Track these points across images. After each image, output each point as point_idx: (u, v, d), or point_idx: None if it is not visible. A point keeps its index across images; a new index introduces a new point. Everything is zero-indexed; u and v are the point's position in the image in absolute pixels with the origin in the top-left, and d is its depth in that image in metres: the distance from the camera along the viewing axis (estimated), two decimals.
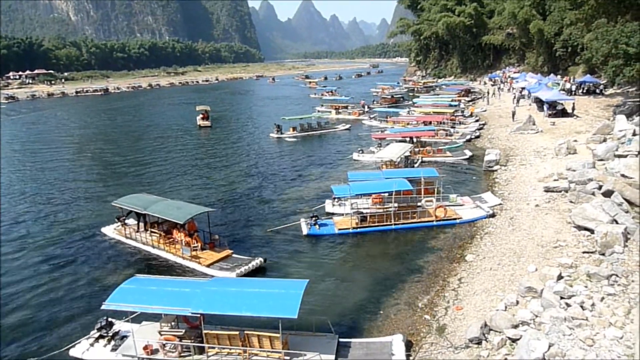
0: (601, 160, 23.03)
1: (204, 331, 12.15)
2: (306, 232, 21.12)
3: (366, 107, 62.83)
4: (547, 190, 22.03)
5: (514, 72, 77.86)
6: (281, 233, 21.60)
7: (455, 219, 21.70)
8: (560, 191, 21.45)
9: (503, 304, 12.79)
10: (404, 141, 34.80)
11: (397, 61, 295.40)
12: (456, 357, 11.62)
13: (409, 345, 12.48)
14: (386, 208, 22.19)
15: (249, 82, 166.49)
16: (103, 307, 12.54)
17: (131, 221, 22.03)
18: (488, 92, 63.45)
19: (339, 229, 21.23)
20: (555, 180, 22.86)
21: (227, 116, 68.04)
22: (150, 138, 50.08)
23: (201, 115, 57.12)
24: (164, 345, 12.56)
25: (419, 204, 22.85)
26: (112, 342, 13.09)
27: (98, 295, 15.69)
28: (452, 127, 43.39)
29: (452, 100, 55.27)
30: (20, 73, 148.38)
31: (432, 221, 21.57)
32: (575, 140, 30.25)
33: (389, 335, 12.96)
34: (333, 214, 23.36)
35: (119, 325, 13.70)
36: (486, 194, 24.58)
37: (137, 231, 21.00)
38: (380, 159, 29.81)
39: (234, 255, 18.76)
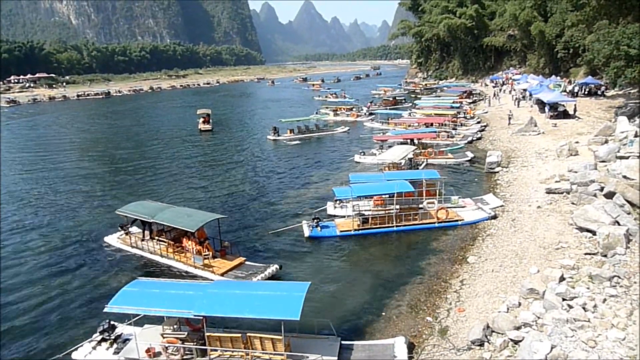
0: (603, 161, 23.02)
1: (207, 334, 12.16)
2: (308, 234, 21.14)
3: (367, 109, 62.88)
4: (549, 191, 22.02)
5: (516, 74, 77.89)
6: (283, 235, 21.62)
7: (457, 220, 21.70)
8: (562, 193, 21.44)
9: (505, 306, 12.79)
10: (406, 143, 34.83)
11: (398, 63, 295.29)
12: (458, 359, 11.61)
13: (411, 348, 12.48)
14: (388, 210, 22.19)
15: (250, 84, 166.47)
16: (105, 310, 12.56)
17: (134, 229, 21.40)
18: (495, 95, 63.51)
19: (341, 231, 21.25)
20: (557, 181, 22.85)
21: (228, 119, 68.15)
22: (151, 143, 49.93)
23: (202, 119, 56.79)
24: (166, 348, 12.56)
25: (420, 205, 22.85)
26: (115, 345, 13.11)
27: (100, 299, 15.71)
28: (453, 129, 43.39)
29: (453, 102, 55.27)
30: (21, 77, 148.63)
31: (434, 223, 21.57)
32: (577, 142, 30.24)
33: (391, 337, 12.95)
34: (335, 216, 23.37)
35: (122, 328, 13.72)
36: (488, 195, 24.58)
37: (143, 240, 20.38)
38: (382, 161, 29.82)
39: (247, 262, 18.27)
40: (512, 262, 16.14)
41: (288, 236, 21.54)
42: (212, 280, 16.93)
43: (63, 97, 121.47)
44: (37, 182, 34.19)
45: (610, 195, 17.34)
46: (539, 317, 11.50)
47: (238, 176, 33.56)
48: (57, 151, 46.61)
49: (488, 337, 11.74)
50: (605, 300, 11.62)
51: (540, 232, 17.85)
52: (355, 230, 21.22)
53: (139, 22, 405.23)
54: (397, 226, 21.36)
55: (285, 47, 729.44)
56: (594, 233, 15.72)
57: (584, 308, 11.27)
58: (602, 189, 18.54)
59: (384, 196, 22.87)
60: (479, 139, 41.01)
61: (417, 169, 30.18)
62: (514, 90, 61.02)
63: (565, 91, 51.60)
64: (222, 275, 17.28)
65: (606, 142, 27.22)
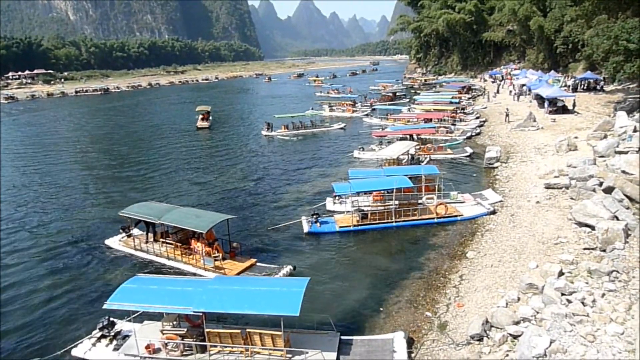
0: (602, 156, 23.03)
1: (206, 330, 12.18)
2: (307, 230, 21.15)
3: (370, 104, 62.75)
4: (548, 187, 22.04)
5: (515, 69, 77.76)
6: (282, 231, 21.63)
7: (456, 216, 21.71)
8: (560, 188, 21.46)
9: (504, 301, 12.81)
10: (405, 139, 34.81)
11: (398, 59, 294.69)
12: (458, 354, 11.65)
13: (410, 343, 12.50)
14: (387, 205, 22.19)
15: (248, 80, 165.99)
16: (105, 306, 12.57)
17: (135, 232, 20.91)
18: (498, 91, 63.42)
19: (340, 227, 21.26)
20: (555, 177, 22.84)
21: (227, 116, 67.83)
22: (148, 141, 49.53)
23: (201, 116, 56.13)
24: (166, 344, 12.59)
25: (419, 201, 22.86)
26: (114, 342, 13.13)
27: (100, 296, 15.74)
28: (452, 125, 43.35)
29: (452, 98, 55.20)
30: (19, 73, 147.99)
31: (433, 218, 21.58)
32: (576, 137, 30.23)
33: (391, 332, 12.99)
34: (334, 211, 23.37)
35: (121, 325, 13.74)
36: (487, 191, 24.59)
37: (146, 242, 19.82)
38: (382, 157, 29.78)
39: (258, 264, 17.81)
40: (511, 257, 16.16)
41: (287, 232, 21.56)
42: None
43: (61, 93, 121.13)
44: (32, 181, 33.76)
45: (609, 190, 17.34)
46: (537, 312, 11.52)
47: (236, 173, 33.47)
48: (54, 149, 46.32)
49: (487, 332, 11.77)
50: (604, 294, 11.64)
51: (539, 227, 17.86)
52: (355, 225, 21.23)
53: (137, 18, 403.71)
54: (396, 222, 21.37)
55: (284, 42, 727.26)
56: (592, 228, 15.74)
57: (582, 303, 11.30)
58: (601, 184, 18.54)
59: (383, 192, 22.88)
60: (478, 134, 40.99)
61: (419, 164, 30.13)
62: (513, 85, 60.96)
63: (566, 85, 51.53)
64: None
65: (605, 137, 27.21)
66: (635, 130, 25.27)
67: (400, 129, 39.30)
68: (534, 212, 19.68)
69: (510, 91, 58.52)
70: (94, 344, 13.17)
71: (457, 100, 53.46)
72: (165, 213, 19.00)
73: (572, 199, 19.76)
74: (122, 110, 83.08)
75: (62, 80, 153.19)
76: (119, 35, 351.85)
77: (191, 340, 12.53)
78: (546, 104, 42.32)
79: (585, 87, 50.26)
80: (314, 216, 21.60)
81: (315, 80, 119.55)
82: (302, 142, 44.85)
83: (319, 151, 39.63)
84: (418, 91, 76.92)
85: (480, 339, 11.69)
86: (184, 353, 12.46)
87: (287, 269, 17.10)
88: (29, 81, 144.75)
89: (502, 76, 74.58)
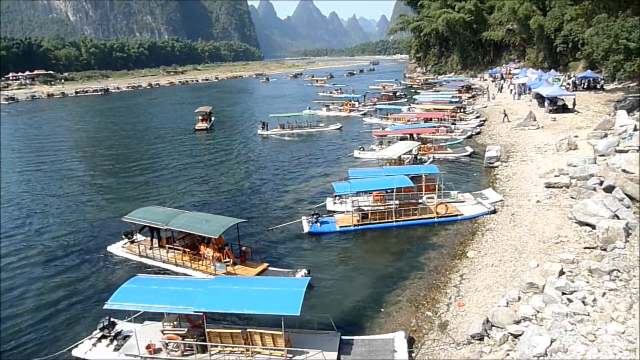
0: (602, 155, 23.03)
1: (207, 330, 12.17)
2: (307, 230, 21.14)
3: (373, 104, 62.77)
4: (548, 186, 22.02)
5: (514, 68, 77.73)
6: (282, 231, 21.61)
7: (456, 215, 21.70)
8: (561, 187, 21.44)
9: (505, 300, 12.80)
10: (405, 138, 34.80)
11: (397, 58, 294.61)
12: (458, 354, 11.64)
13: (411, 342, 12.49)
14: (387, 205, 22.18)
15: (248, 80, 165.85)
16: (105, 306, 12.57)
17: (138, 237, 20.29)
18: (500, 89, 63.36)
19: (340, 227, 21.25)
20: (556, 176, 22.83)
21: (226, 116, 67.15)
22: (147, 142, 48.94)
23: (200, 117, 55.16)
24: (166, 344, 12.58)
25: (420, 200, 22.85)
26: (115, 342, 13.12)
27: (100, 296, 15.71)
28: (452, 124, 43.33)
29: (452, 97, 55.18)
30: (19, 74, 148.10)
31: (433, 218, 21.57)
32: (576, 136, 30.21)
33: (391, 332, 12.98)
34: (334, 211, 23.36)
35: (122, 325, 13.73)
36: (487, 190, 24.57)
37: (151, 248, 19.28)
38: (383, 157, 29.75)
39: (270, 268, 17.33)
40: (512, 256, 16.15)
41: (288, 232, 21.53)
42: None
43: (61, 94, 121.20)
44: (30, 185, 33.06)
45: (609, 189, 17.33)
46: (538, 311, 11.51)
47: (235, 174, 33.36)
48: (53, 151, 45.82)
49: (488, 331, 11.76)
50: (604, 294, 11.63)
51: (540, 227, 17.85)
52: (355, 225, 21.22)
53: (137, 19, 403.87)
54: (396, 221, 21.35)
55: (283, 42, 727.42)
56: (593, 227, 15.73)
57: (583, 302, 11.29)
58: (601, 183, 18.53)
59: (383, 191, 22.87)
60: (478, 133, 40.96)
61: (422, 164, 30.05)
62: (512, 84, 60.98)
63: (568, 84, 51.47)
64: None
65: (605, 136, 27.19)
66: (635, 129, 25.26)
67: (401, 128, 39.28)
68: (535, 212, 19.66)
69: (511, 90, 58.49)
70: (94, 344, 13.16)
71: (457, 100, 53.47)
72: (172, 218, 18.41)
73: (572, 198, 19.75)
74: (121, 111, 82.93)
75: (62, 80, 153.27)
76: (119, 35, 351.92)
77: (192, 340, 12.53)
78: (546, 103, 42.29)
79: (585, 86, 50.24)
80: (314, 216, 21.59)
81: (317, 80, 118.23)
82: (300, 141, 44.81)
83: (318, 151, 39.58)
84: (418, 90, 76.86)
85: (481, 339, 11.68)
86: (185, 353, 12.46)
87: (302, 272, 16.59)
88: (29, 82, 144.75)
89: (502, 75, 74.54)
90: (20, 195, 30.39)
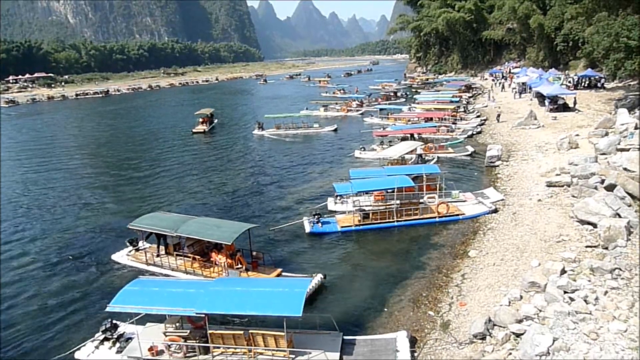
0: (603, 154, 23.01)
1: (209, 331, 12.18)
2: (309, 230, 21.16)
3: (378, 103, 62.86)
4: (550, 185, 22.01)
5: (515, 67, 77.71)
6: (284, 232, 21.63)
7: (457, 215, 21.70)
8: (562, 186, 21.43)
9: (507, 299, 12.80)
10: (406, 138, 34.83)
11: (397, 58, 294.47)
12: (461, 353, 11.64)
13: (413, 342, 12.50)
14: (388, 205, 22.18)
15: (249, 81, 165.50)
16: (107, 309, 12.59)
17: (142, 245, 19.73)
18: (502, 88, 63.40)
19: (342, 227, 21.26)
20: (557, 175, 22.82)
21: (224, 117, 66.49)
22: (146, 145, 48.38)
23: (200, 120, 54.56)
24: (169, 346, 12.59)
25: (421, 200, 22.84)
26: (117, 344, 13.13)
27: (103, 299, 15.72)
28: (453, 123, 43.33)
29: (453, 97, 55.18)
30: (19, 77, 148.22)
31: (435, 217, 21.57)
32: (577, 135, 30.19)
33: (393, 332, 12.98)
34: (335, 211, 23.37)
35: (124, 327, 13.74)
36: (488, 189, 24.56)
37: (158, 255, 18.68)
38: (385, 157, 29.75)
39: (284, 273, 16.89)
40: (513, 255, 16.15)
41: (289, 232, 21.55)
42: None
43: (62, 96, 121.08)
44: (30, 189, 32.48)
45: (610, 188, 17.32)
46: (540, 310, 11.50)
47: (235, 176, 33.21)
48: (54, 155, 45.35)
49: (490, 330, 11.76)
50: (606, 292, 11.62)
51: (541, 226, 17.84)
52: (356, 225, 21.22)
53: (136, 20, 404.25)
54: (397, 221, 21.36)
55: (283, 43, 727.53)
56: (594, 226, 15.72)
57: (585, 300, 11.28)
58: (602, 182, 18.52)
59: (384, 191, 22.87)
60: (479, 133, 40.95)
61: (426, 164, 30.03)
62: (513, 83, 61.00)
63: (570, 83, 51.42)
64: None
65: (606, 134, 27.17)
66: (636, 128, 25.26)
67: (401, 128, 39.30)
68: (536, 211, 19.65)
69: (513, 89, 58.51)
70: (97, 347, 13.18)
71: (457, 100, 53.48)
72: (181, 224, 17.81)
73: (573, 196, 19.73)
74: (121, 113, 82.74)
75: (63, 83, 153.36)
76: (119, 37, 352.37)
77: (194, 341, 12.54)
78: (547, 102, 42.27)
79: (586, 85, 50.21)
80: (316, 216, 21.61)
81: (320, 81, 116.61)
82: (298, 142, 44.81)
83: (318, 151, 39.61)
84: (418, 90, 76.83)
85: (483, 338, 11.68)
86: (187, 355, 12.46)
87: (318, 277, 16.09)
88: (29, 85, 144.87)
89: (503, 74, 74.50)
90: (20, 200, 29.88)
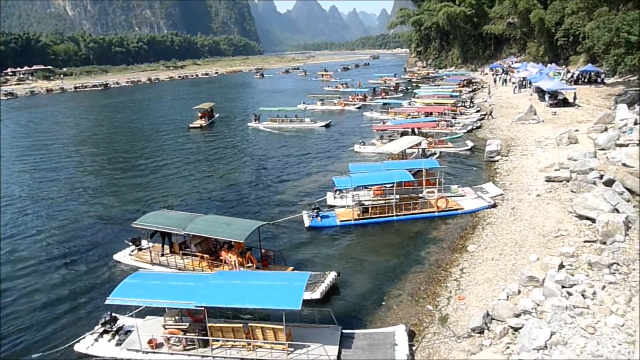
0: (602, 149, 23.02)
1: (208, 324, 12.23)
2: (308, 224, 21.19)
3: (381, 97, 62.86)
4: (549, 180, 22.04)
5: (515, 62, 77.51)
6: (283, 225, 21.65)
7: (456, 209, 21.73)
8: (561, 181, 21.46)
9: (505, 294, 12.85)
10: (406, 133, 34.79)
11: (397, 52, 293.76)
12: (459, 347, 11.70)
13: (411, 335, 12.56)
14: (388, 199, 22.21)
15: (248, 75, 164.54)
16: (107, 301, 12.62)
17: (144, 244, 19.21)
18: (505, 82, 63.36)
19: (341, 221, 21.29)
20: (556, 170, 22.83)
21: (224, 111, 65.64)
22: (143, 140, 47.36)
23: (199, 114, 53.75)
24: (168, 339, 12.65)
25: (420, 195, 22.87)
26: (117, 337, 13.18)
27: (102, 291, 15.78)
28: (453, 118, 43.28)
29: (453, 91, 55.07)
30: (18, 69, 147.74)
31: (434, 212, 21.60)
32: (577, 130, 30.17)
33: (392, 325, 13.04)
34: (334, 206, 23.40)
35: (123, 320, 13.79)
36: (487, 184, 24.59)
37: (162, 254, 18.17)
38: (386, 151, 29.72)
39: (296, 272, 16.32)
40: (512, 250, 16.19)
41: (288, 226, 21.58)
42: None
43: (60, 89, 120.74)
44: (27, 183, 32.03)
45: (609, 183, 17.35)
46: (538, 305, 11.55)
47: (233, 171, 33.04)
48: (52, 149, 44.67)
49: (488, 324, 11.81)
50: (604, 287, 11.67)
51: (540, 220, 17.88)
52: (355, 220, 21.25)
53: (135, 13, 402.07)
54: (397, 215, 21.39)
55: (283, 36, 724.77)
56: (593, 221, 15.75)
57: (583, 295, 11.33)
58: (601, 177, 18.54)
59: (383, 186, 22.89)
60: (479, 127, 40.92)
61: (429, 158, 29.96)
62: (513, 77, 60.88)
63: (571, 77, 51.31)
64: None
65: (606, 130, 27.15)
66: (635, 123, 25.23)
67: (401, 122, 39.25)
68: (535, 205, 19.69)
69: (513, 83, 58.43)
70: (96, 340, 13.23)
71: (457, 94, 53.38)
72: (189, 222, 17.27)
73: (572, 192, 19.77)
74: (120, 106, 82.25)
75: (61, 76, 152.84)
76: (118, 30, 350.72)
77: (193, 334, 12.59)
78: (547, 97, 42.21)
79: (586, 80, 50.12)
80: (315, 210, 21.63)
81: (323, 75, 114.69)
82: (294, 135, 44.81)
83: (317, 145, 39.54)
84: (418, 85, 76.66)
85: (481, 332, 11.74)
86: (187, 348, 12.53)
87: (332, 276, 15.70)
88: (28, 77, 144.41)
89: (504, 69, 74.27)
90: (16, 196, 29.38)
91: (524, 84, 55.08)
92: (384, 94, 67.83)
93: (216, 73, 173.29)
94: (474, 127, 40.72)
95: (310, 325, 12.93)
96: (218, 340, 12.42)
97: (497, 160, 28.90)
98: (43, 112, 78.54)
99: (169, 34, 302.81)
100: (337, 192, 24.00)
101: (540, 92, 45.27)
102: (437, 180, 23.28)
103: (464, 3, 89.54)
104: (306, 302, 12.98)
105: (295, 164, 33.35)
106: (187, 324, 12.87)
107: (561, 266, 13.16)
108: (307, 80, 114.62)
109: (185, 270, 17.26)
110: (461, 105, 49.54)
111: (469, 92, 62.36)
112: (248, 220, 18.06)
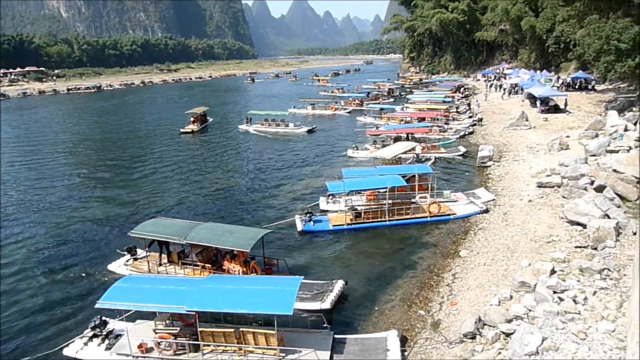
0: (593, 155, 23.22)
1: (199, 329, 12.13)
2: (301, 229, 21.14)
3: (365, 103, 63.07)
4: (540, 185, 22.17)
5: (507, 68, 78.20)
6: (276, 230, 21.55)
7: (449, 214, 21.78)
8: (553, 187, 21.59)
9: (497, 299, 12.87)
10: (399, 138, 34.88)
11: (391, 58, 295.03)
12: (451, 352, 11.68)
13: (403, 341, 12.53)
14: (380, 204, 22.22)
15: (242, 79, 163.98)
16: (97, 305, 12.46)
17: (140, 253, 18.55)
18: (497, 89, 63.89)
19: (334, 226, 21.26)
20: (548, 175, 22.99)
21: (216, 115, 65.04)
22: (134, 145, 46.36)
23: (192, 119, 52.35)
24: (158, 343, 12.52)
25: (413, 200, 22.91)
26: (106, 341, 13.04)
27: (92, 295, 15.59)
28: (445, 124, 43.48)
29: (445, 97, 55.37)
30: (10, 70, 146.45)
31: (426, 217, 21.63)
32: (568, 136, 30.43)
33: (384, 331, 13.01)
34: (327, 210, 23.37)
35: (113, 324, 13.64)
36: (479, 189, 24.68)
37: (160, 264, 17.58)
38: (379, 157, 29.75)
39: (303, 280, 14.73)
40: (504, 255, 16.24)
41: (281, 231, 21.49)
42: None
43: (53, 91, 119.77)
44: (16, 188, 31.35)
45: (600, 189, 17.49)
46: (530, 310, 11.58)
47: (226, 175, 32.79)
48: (43, 152, 43.84)
49: (480, 330, 11.82)
50: (595, 292, 11.73)
51: (532, 226, 17.96)
52: (348, 224, 21.24)
53: (130, 16, 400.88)
54: (389, 220, 21.40)
55: (277, 41, 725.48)
56: (584, 226, 15.85)
57: (574, 300, 11.37)
58: (592, 183, 18.69)
59: (376, 191, 22.90)
60: (471, 133, 41.14)
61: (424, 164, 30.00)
62: (505, 83, 61.42)
63: (563, 84, 51.82)
64: None
65: (596, 136, 27.41)
66: (626, 129, 25.51)
67: (394, 127, 39.36)
68: (526, 211, 19.78)
69: (504, 89, 58.96)
70: (85, 344, 13.07)
71: (449, 100, 53.70)
72: (189, 231, 16.61)
73: (564, 197, 19.89)
74: (112, 110, 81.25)
75: (54, 77, 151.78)
76: (112, 33, 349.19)
77: (184, 339, 12.48)
78: (538, 103, 42.57)
79: (577, 87, 50.63)
80: (308, 215, 21.61)
81: (319, 80, 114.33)
82: (286, 140, 44.84)
83: (310, 150, 39.48)
84: (412, 90, 76.99)
85: (473, 337, 11.74)
86: (177, 352, 12.41)
87: (340, 284, 15.27)
88: (20, 78, 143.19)
89: (496, 75, 74.83)
90: (5, 201, 28.36)
91: (515, 90, 55.59)
92: (374, 99, 68.10)
93: (210, 77, 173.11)
94: (467, 133, 40.93)
95: (302, 330, 12.87)
96: (209, 345, 12.32)
97: (489, 166, 29.04)
98: (35, 114, 77.78)
99: (163, 37, 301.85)
100: (330, 197, 23.99)
101: (532, 99, 45.66)
102: (429, 186, 23.34)
103: (457, 10, 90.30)
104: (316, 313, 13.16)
105: (287, 169, 33.29)
106: (178, 328, 12.77)
107: (553, 272, 13.21)
108: (300, 85, 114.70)
109: None
110: (454, 111, 49.80)
111: (461, 97, 62.73)
112: (251, 229, 17.65)
